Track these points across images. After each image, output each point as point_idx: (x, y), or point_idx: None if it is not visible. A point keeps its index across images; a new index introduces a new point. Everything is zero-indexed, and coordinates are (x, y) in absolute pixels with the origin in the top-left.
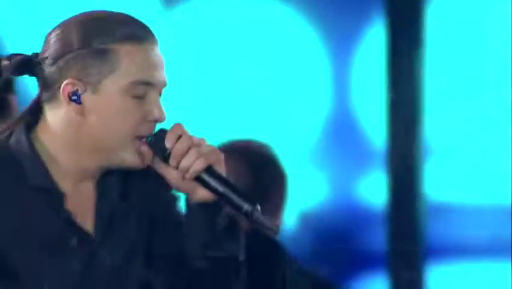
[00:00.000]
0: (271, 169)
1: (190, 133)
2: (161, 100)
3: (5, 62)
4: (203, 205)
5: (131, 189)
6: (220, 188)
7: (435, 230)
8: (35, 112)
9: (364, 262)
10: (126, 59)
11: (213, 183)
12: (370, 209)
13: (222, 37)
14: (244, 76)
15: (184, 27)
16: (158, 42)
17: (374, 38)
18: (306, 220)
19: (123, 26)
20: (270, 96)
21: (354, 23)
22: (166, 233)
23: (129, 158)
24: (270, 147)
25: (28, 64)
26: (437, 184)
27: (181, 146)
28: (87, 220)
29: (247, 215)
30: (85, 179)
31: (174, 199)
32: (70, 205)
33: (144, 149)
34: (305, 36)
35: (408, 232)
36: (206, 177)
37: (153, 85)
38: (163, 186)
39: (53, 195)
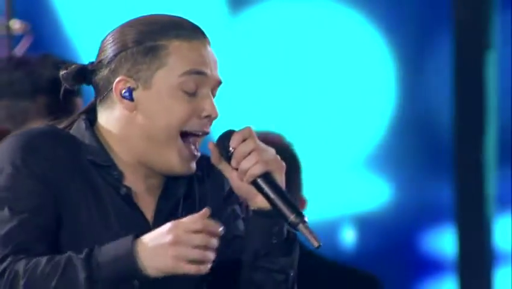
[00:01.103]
0: (288, 156)
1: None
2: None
3: (63, 72)
4: (260, 213)
5: (196, 192)
6: (272, 195)
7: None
8: (92, 112)
9: (431, 266)
10: (175, 54)
11: (266, 189)
12: (437, 212)
13: (290, 40)
14: (310, 79)
15: (250, 31)
16: (210, 42)
17: (442, 40)
18: (371, 224)
19: (173, 25)
20: (336, 99)
21: (422, 25)
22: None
23: (174, 158)
24: (285, 137)
25: (83, 73)
26: (506, 186)
27: (243, 148)
28: (147, 214)
29: (292, 225)
30: (150, 176)
31: (236, 215)
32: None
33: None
34: (371, 39)
35: (476, 235)
36: (261, 182)
37: (205, 77)
38: (229, 199)
39: (113, 173)
